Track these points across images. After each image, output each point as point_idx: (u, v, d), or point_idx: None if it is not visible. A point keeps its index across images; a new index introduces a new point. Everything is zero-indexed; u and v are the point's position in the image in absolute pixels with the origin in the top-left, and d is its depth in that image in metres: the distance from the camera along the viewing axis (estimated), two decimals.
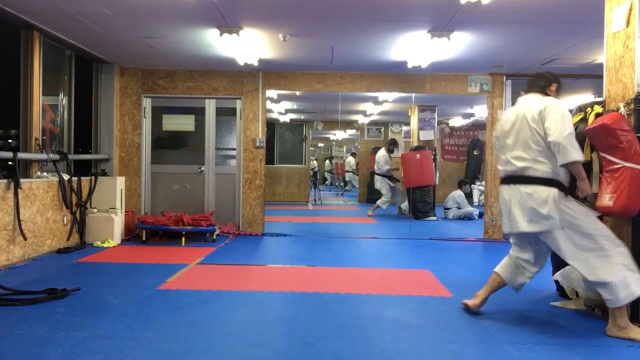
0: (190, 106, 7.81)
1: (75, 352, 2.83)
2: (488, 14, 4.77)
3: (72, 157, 6.33)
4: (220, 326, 3.35)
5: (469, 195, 10.68)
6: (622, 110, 3.51)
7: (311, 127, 13.16)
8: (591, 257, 3.30)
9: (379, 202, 10.43)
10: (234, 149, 7.80)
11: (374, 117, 11.57)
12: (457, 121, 11.24)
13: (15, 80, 5.55)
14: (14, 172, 5.05)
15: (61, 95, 6.56)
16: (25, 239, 5.21)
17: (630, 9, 3.47)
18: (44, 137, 6.06)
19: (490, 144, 7.55)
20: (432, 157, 9.69)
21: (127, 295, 4.06)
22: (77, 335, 3.10)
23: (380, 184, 10.46)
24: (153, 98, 7.67)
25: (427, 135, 9.73)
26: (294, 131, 13.50)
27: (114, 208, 6.59)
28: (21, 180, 5.12)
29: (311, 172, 13.57)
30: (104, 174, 7.02)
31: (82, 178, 6.33)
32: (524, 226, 3.44)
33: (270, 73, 7.55)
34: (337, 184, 17.26)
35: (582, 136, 3.79)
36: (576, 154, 3.29)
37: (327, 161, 17.85)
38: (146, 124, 7.66)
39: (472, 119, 10.95)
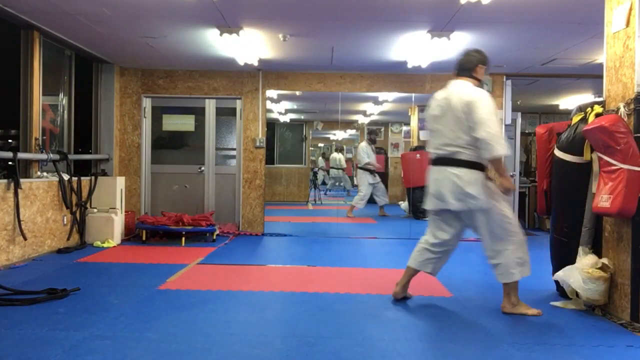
0: (190, 106, 7.81)
1: (75, 352, 2.83)
2: (488, 14, 4.77)
3: (72, 157, 6.33)
4: (220, 326, 3.35)
5: None
6: (622, 110, 3.51)
7: (311, 127, 13.15)
8: (498, 239, 3.64)
9: (353, 200, 9.81)
10: (234, 149, 7.80)
11: (374, 117, 11.56)
12: None
13: (15, 80, 5.55)
14: (14, 172, 5.05)
15: (61, 95, 6.56)
16: (25, 239, 5.21)
17: (630, 9, 3.47)
18: (44, 137, 6.06)
19: None
20: None
21: (127, 295, 4.06)
22: (77, 335, 3.10)
23: (358, 178, 9.80)
24: (153, 98, 7.67)
25: (427, 135, 9.70)
26: (294, 131, 13.49)
27: (114, 208, 6.59)
28: (21, 180, 5.12)
29: (311, 172, 13.55)
30: (104, 174, 7.02)
31: (82, 178, 6.33)
32: (452, 204, 3.64)
33: (270, 73, 7.55)
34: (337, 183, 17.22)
35: (582, 136, 3.79)
36: (500, 149, 3.47)
37: (320, 158, 17.52)
38: (146, 124, 7.66)
39: None
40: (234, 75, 7.55)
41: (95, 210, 6.52)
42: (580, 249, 3.84)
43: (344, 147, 16.38)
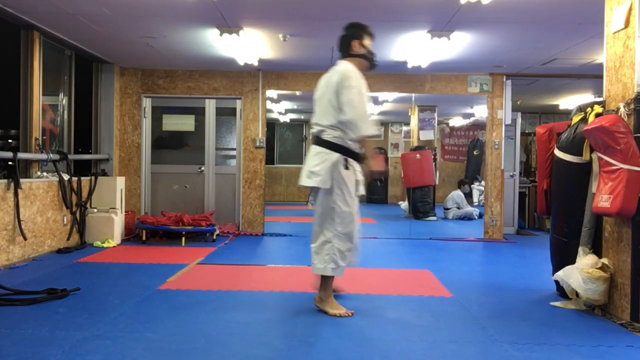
0: (190, 106, 7.81)
1: (75, 352, 2.83)
2: (488, 14, 4.77)
3: (72, 157, 6.33)
4: (220, 326, 3.35)
5: (468, 195, 10.67)
6: (622, 110, 3.51)
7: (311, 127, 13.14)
8: (321, 225, 3.63)
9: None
10: (234, 149, 7.80)
11: (374, 117, 11.56)
12: (457, 121, 11.23)
13: (15, 80, 5.55)
14: (14, 172, 5.05)
15: (61, 95, 6.56)
16: (25, 239, 5.21)
17: (630, 9, 3.47)
18: (44, 137, 6.06)
19: (490, 144, 7.55)
20: (432, 157, 9.68)
21: (127, 295, 4.06)
22: (77, 335, 3.10)
23: None
24: (153, 98, 7.67)
25: (427, 135, 9.72)
26: (294, 131, 13.50)
27: (114, 208, 6.59)
28: (21, 180, 5.12)
29: None
30: (104, 174, 7.02)
31: (82, 178, 6.33)
32: (303, 180, 3.68)
33: (270, 73, 7.54)
34: None
35: (582, 136, 3.79)
36: (367, 129, 3.50)
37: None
38: (146, 124, 7.66)
39: (472, 119, 10.94)
40: (234, 75, 7.54)
41: (95, 210, 6.52)
42: (580, 249, 3.85)
43: None
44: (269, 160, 12.04)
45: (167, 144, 7.88)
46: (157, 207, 7.58)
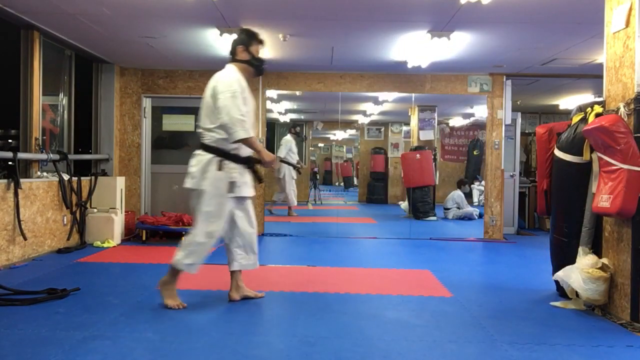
0: (190, 106, 7.77)
1: (75, 352, 2.83)
2: (488, 14, 4.76)
3: (72, 157, 6.33)
4: (220, 326, 3.35)
5: (468, 196, 10.68)
6: (622, 110, 3.51)
7: (311, 127, 13.14)
8: (195, 225, 3.74)
9: (289, 201, 9.94)
10: None
11: (374, 117, 11.56)
12: (457, 121, 11.24)
13: (15, 80, 5.55)
14: (14, 172, 5.05)
15: (61, 95, 6.56)
16: (25, 239, 5.21)
17: (630, 9, 3.47)
18: (44, 137, 6.06)
19: (490, 144, 7.55)
20: (432, 157, 9.68)
21: (127, 295, 4.06)
22: (77, 335, 3.10)
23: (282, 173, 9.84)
24: (153, 98, 7.67)
25: (427, 135, 9.73)
26: None
27: (114, 208, 6.58)
28: (21, 180, 5.12)
29: (311, 172, 13.54)
30: (104, 174, 7.02)
31: (82, 178, 6.33)
32: (186, 182, 3.75)
33: (270, 73, 7.54)
34: (337, 183, 17.22)
35: (582, 136, 3.79)
36: (241, 133, 3.56)
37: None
38: (146, 124, 7.66)
39: (472, 119, 10.95)
40: None
41: (95, 210, 6.52)
42: (580, 249, 3.85)
43: (344, 146, 16.29)
44: None
45: (167, 144, 7.87)
46: (157, 207, 7.58)
